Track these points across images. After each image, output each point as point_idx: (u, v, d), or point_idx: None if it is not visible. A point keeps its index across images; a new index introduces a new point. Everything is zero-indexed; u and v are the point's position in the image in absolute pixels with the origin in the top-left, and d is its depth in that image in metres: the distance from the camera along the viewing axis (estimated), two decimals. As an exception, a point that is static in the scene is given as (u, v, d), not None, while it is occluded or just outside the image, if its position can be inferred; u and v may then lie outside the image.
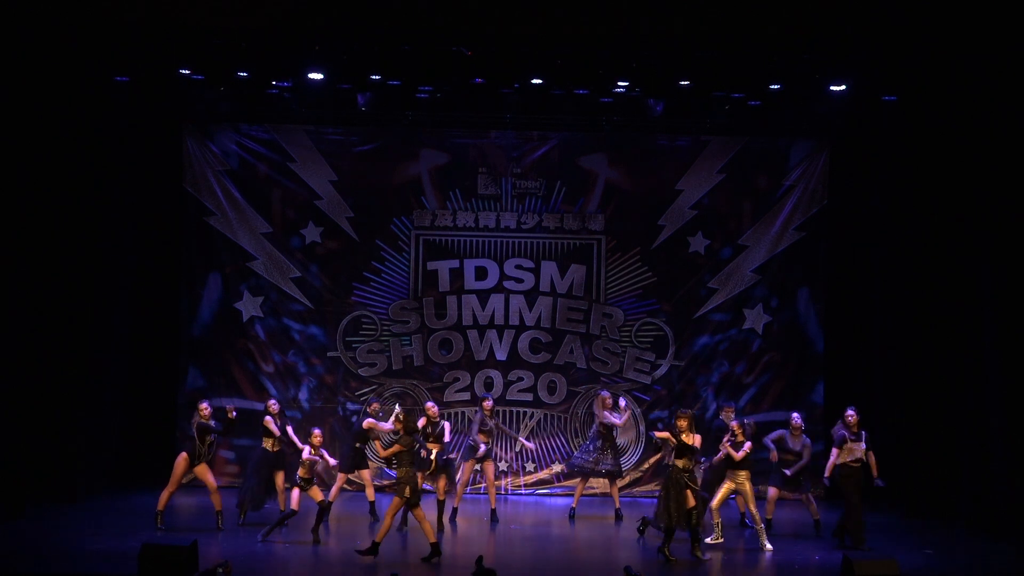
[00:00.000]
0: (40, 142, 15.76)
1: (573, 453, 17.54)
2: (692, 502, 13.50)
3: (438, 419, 15.26)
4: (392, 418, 14.22)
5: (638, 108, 17.60)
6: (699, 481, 14.01)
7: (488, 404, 16.00)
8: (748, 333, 18.55)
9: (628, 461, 18.13)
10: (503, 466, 18.42)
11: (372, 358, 18.49)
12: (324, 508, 14.20)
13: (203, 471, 14.95)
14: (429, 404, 15.47)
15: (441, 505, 15.28)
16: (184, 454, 14.88)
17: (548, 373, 18.55)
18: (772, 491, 15.28)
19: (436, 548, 13.18)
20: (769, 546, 14.14)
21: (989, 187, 15.56)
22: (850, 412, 14.38)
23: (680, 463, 13.57)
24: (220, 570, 11.71)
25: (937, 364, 16.59)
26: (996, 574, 13.63)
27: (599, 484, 17.41)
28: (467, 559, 13.41)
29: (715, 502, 14.39)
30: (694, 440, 13.62)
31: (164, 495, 14.76)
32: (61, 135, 16.05)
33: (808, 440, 15.30)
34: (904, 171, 17.14)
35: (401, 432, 13.51)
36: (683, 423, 13.63)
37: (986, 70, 15.03)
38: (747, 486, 14.36)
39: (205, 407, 15.03)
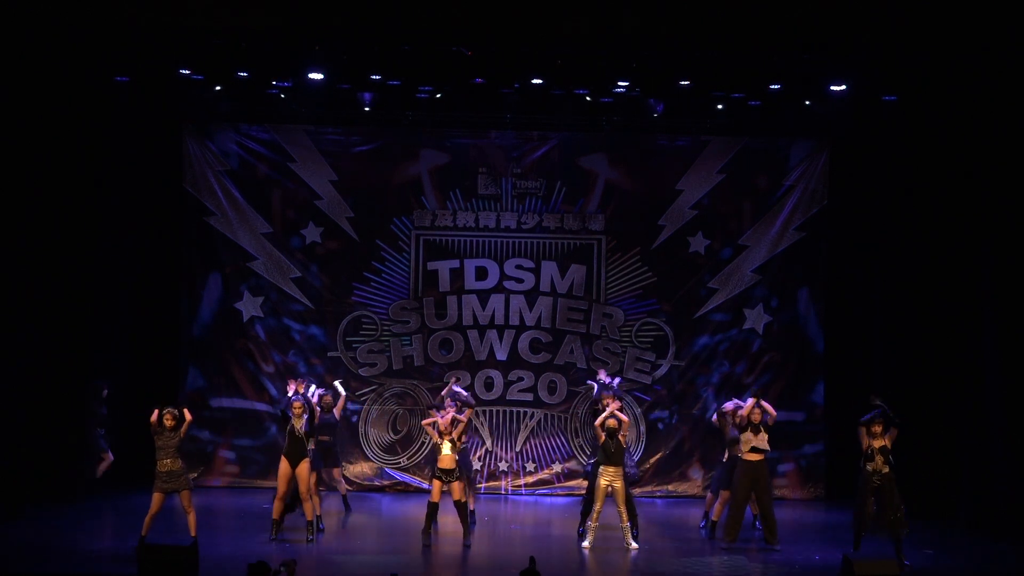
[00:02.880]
0: (40, 142, 15.77)
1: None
2: (873, 508, 13.31)
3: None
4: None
5: (638, 108, 17.59)
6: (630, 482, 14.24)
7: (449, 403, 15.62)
8: (748, 333, 18.54)
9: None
10: (503, 466, 18.43)
11: (372, 358, 18.49)
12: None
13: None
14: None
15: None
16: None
17: (548, 373, 18.55)
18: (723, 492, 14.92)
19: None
20: (586, 543, 14.12)
21: (989, 187, 15.59)
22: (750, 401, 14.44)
23: (870, 467, 13.44)
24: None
25: (937, 364, 16.60)
26: (996, 574, 13.64)
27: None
28: (460, 559, 13.43)
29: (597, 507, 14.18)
30: (884, 442, 13.49)
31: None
32: (61, 135, 16.05)
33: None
34: (904, 171, 17.14)
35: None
36: (878, 428, 13.52)
37: (986, 70, 15.04)
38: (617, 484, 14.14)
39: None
